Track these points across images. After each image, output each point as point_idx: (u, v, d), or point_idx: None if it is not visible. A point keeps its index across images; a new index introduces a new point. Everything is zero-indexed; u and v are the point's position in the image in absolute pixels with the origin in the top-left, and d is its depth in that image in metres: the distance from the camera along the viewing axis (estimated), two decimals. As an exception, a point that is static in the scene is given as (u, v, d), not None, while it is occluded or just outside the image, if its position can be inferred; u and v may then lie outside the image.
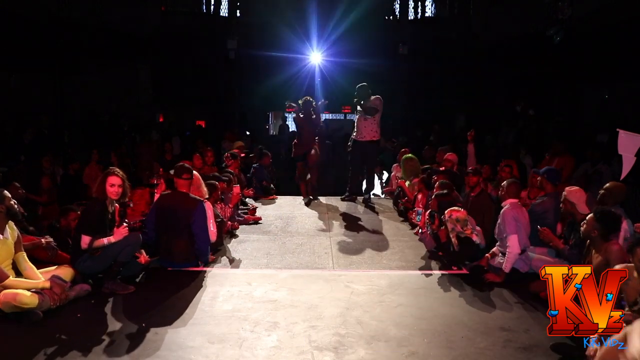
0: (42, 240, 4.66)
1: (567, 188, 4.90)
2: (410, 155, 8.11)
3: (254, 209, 7.60)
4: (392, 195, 8.55)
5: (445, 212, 5.24)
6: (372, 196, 8.71)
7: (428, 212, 5.90)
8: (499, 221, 5.09)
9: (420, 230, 6.26)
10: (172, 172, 5.42)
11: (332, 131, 14.56)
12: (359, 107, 8.08)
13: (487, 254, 5.15)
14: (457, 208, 5.23)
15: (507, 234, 4.88)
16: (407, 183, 7.84)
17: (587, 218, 3.95)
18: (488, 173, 7.19)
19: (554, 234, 4.87)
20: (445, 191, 5.77)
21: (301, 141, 8.49)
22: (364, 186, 8.74)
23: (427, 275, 5.06)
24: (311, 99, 8.47)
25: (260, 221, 7.14)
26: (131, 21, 14.31)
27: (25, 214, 5.67)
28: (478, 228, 5.25)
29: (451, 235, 5.14)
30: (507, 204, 5.06)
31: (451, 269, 5.20)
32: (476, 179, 5.94)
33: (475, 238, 5.10)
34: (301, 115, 8.42)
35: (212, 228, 5.34)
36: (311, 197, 8.65)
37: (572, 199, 4.73)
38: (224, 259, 5.49)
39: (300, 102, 8.43)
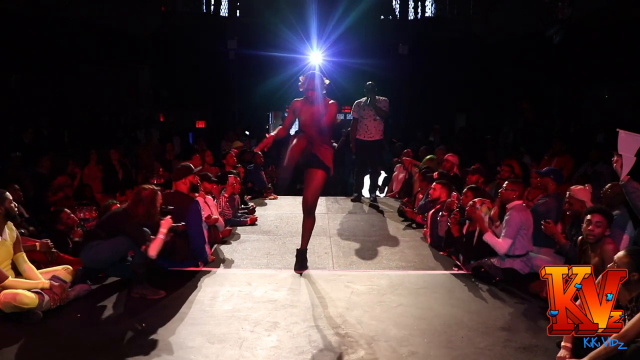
0: (37, 243, 4.60)
1: (572, 187, 4.90)
2: (432, 156, 8.16)
3: (253, 209, 7.60)
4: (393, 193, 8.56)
5: (477, 199, 5.15)
6: (375, 196, 8.63)
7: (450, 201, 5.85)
8: (505, 218, 4.96)
9: (441, 213, 5.97)
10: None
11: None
12: (369, 106, 7.96)
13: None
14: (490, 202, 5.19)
15: (504, 234, 4.83)
16: None
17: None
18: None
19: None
20: (478, 187, 5.72)
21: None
22: (367, 186, 8.70)
23: (427, 276, 5.06)
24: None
25: (255, 222, 7.10)
26: (131, 21, 14.29)
27: (27, 215, 5.69)
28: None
29: (478, 224, 5.04)
30: (512, 205, 4.94)
31: (452, 269, 5.21)
32: (475, 178, 5.94)
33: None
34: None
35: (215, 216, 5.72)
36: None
37: (581, 197, 4.74)
38: (224, 259, 5.49)
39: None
